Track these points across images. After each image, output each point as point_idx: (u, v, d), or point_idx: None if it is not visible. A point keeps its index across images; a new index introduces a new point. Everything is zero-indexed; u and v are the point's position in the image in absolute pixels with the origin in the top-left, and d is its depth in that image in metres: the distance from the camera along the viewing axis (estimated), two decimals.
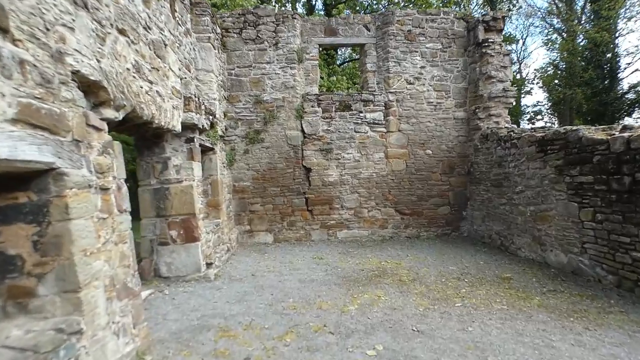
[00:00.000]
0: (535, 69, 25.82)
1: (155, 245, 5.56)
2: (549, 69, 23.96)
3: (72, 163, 2.48)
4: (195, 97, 5.59)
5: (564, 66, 21.71)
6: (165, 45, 4.87)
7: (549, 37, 23.82)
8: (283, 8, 9.14)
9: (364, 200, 9.00)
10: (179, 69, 5.52)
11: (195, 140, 5.70)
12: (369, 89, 9.01)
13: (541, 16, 24.35)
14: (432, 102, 8.94)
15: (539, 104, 25.48)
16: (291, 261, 6.99)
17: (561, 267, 5.80)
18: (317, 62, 9.17)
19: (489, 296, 4.79)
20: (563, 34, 22.10)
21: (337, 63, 17.09)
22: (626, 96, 19.18)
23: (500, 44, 8.21)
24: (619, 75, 19.62)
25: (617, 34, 19.75)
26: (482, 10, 20.52)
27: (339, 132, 8.86)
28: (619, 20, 19.49)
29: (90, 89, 2.86)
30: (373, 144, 8.94)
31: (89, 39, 2.87)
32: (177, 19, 5.62)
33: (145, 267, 5.57)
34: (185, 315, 4.30)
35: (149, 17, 4.29)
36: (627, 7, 19.09)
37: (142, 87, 3.95)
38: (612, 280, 4.87)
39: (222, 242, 7.04)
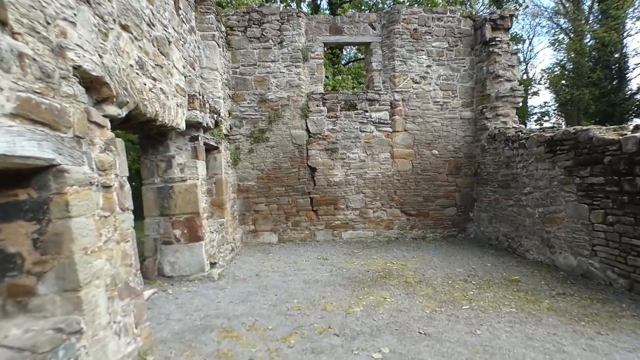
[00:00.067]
0: (542, 70, 25.55)
1: (159, 244, 5.52)
2: (555, 69, 23.76)
3: (73, 160, 2.43)
4: (199, 95, 5.55)
5: (571, 67, 21.50)
6: (169, 42, 4.83)
7: (556, 37, 23.62)
8: (288, 7, 9.07)
9: (369, 201, 8.92)
10: (183, 67, 5.48)
11: (199, 138, 5.66)
12: (375, 88, 8.94)
13: (548, 16, 24.10)
14: (438, 102, 8.84)
15: (546, 105, 25.26)
16: (296, 261, 6.92)
17: (570, 270, 5.69)
18: (322, 60, 9.12)
19: (497, 299, 4.70)
20: (570, 34, 21.87)
21: (342, 63, 17.01)
22: (635, 97, 18.94)
23: (507, 43, 8.10)
24: (627, 75, 19.40)
25: (625, 34, 19.53)
26: (488, 11, 20.34)
27: (344, 131, 8.79)
28: (627, 20, 19.27)
29: (93, 85, 2.81)
30: (379, 143, 8.86)
31: (91, 34, 2.82)
32: (182, 16, 5.58)
33: (148, 266, 5.53)
34: (189, 315, 4.25)
35: (153, 14, 4.25)
36: (636, 6, 18.89)
37: (145, 84, 3.91)
38: (623, 284, 4.76)
39: (227, 242, 6.99)
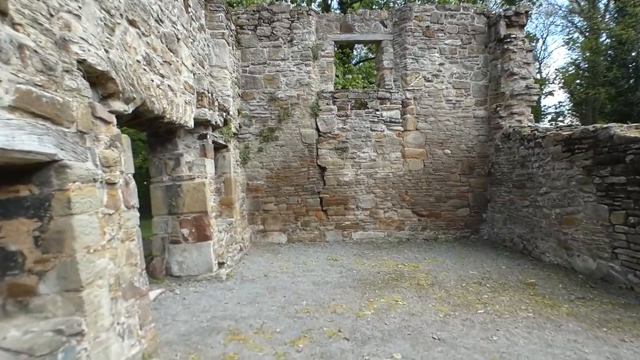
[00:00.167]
0: (556, 69, 25.07)
1: (167, 243, 5.47)
2: (570, 68, 23.27)
3: (76, 155, 2.36)
4: (208, 92, 5.49)
5: (586, 66, 21.02)
6: (178, 39, 4.77)
7: (571, 36, 23.13)
8: (298, 6, 8.99)
9: (379, 201, 8.78)
10: (192, 65, 5.42)
11: (208, 136, 5.59)
12: (386, 87, 8.80)
13: (562, 14, 23.60)
14: (451, 100, 8.66)
15: (561, 104, 24.76)
16: (305, 262, 6.82)
17: (589, 273, 5.49)
18: (333, 59, 9.01)
19: (513, 303, 4.54)
20: (585, 32, 21.38)
21: (353, 62, 16.87)
22: None
23: (523, 40, 7.89)
24: None
25: None
26: (500, 10, 19.99)
27: (355, 130, 8.66)
28: None
29: (98, 80, 2.75)
30: (390, 143, 8.72)
31: (97, 27, 2.76)
32: (191, 13, 5.52)
33: (156, 266, 5.48)
34: (195, 317, 4.17)
35: (161, 10, 4.19)
36: None
37: (152, 81, 3.84)
38: None
39: (235, 242, 6.93)
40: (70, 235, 2.26)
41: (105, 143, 2.74)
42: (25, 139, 1.94)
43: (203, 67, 6.23)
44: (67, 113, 2.29)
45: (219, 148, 6.73)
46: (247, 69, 8.45)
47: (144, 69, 3.68)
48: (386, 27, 8.75)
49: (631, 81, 18.63)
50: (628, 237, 4.79)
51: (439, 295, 4.88)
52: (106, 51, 2.88)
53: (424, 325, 3.89)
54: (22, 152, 1.94)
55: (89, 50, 2.56)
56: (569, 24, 23.34)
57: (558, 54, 39.60)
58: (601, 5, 21.01)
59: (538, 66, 25.02)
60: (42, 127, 2.06)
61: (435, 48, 8.53)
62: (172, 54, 4.49)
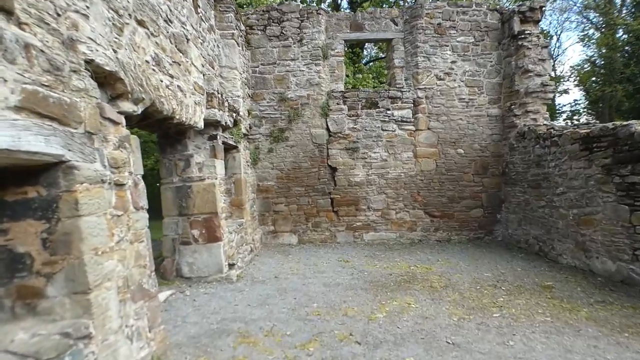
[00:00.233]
0: (570, 66, 24.50)
1: (177, 244, 5.46)
2: (585, 65, 22.74)
3: (84, 156, 2.34)
4: (218, 93, 5.46)
5: (602, 62, 20.52)
6: (188, 39, 4.75)
7: (586, 32, 22.60)
8: (308, 5, 8.93)
9: (391, 202, 8.66)
10: (202, 65, 5.41)
11: (218, 137, 5.57)
12: (397, 86, 8.68)
13: (577, 10, 23.07)
14: (463, 99, 8.51)
15: (576, 102, 24.21)
16: (316, 263, 6.76)
17: (608, 276, 5.31)
18: (343, 58, 8.92)
19: (529, 306, 4.40)
20: (601, 28, 20.88)
21: (363, 62, 16.75)
22: None
23: (537, 36, 7.70)
24: None
25: None
26: (514, 5, 19.67)
27: (366, 130, 8.57)
28: None
29: (107, 81, 2.73)
30: (401, 142, 8.60)
31: (105, 27, 2.74)
32: (200, 14, 5.51)
33: (167, 267, 5.48)
34: (205, 318, 4.14)
35: (170, 10, 4.18)
36: None
37: (162, 81, 3.83)
38: None
39: (246, 243, 6.90)
40: (78, 237, 2.24)
41: (114, 144, 2.72)
42: (32, 139, 1.91)
43: (213, 68, 6.22)
44: (75, 113, 2.27)
45: (229, 149, 6.71)
46: (257, 69, 8.42)
47: (153, 70, 3.66)
48: (397, 25, 8.64)
49: None
50: None
51: (452, 298, 4.77)
52: (114, 51, 2.86)
53: (437, 329, 3.79)
54: (29, 153, 1.92)
55: (97, 50, 2.54)
56: (584, 20, 22.84)
57: (572, 51, 38.75)
58: (617, 0, 20.50)
59: (552, 64, 24.52)
60: (48, 128, 2.04)
61: (447, 45, 8.39)
62: (181, 54, 4.47)
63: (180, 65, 4.41)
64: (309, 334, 3.70)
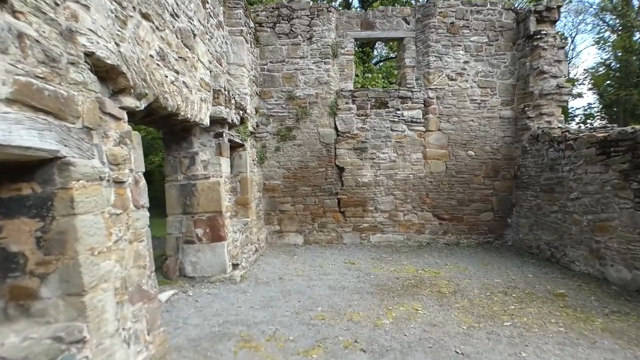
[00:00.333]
0: (584, 69, 24.01)
1: (181, 243, 5.38)
2: (600, 69, 22.28)
3: (81, 152, 2.24)
4: (225, 90, 5.37)
5: (617, 65, 20.08)
6: (194, 35, 4.66)
7: (601, 34, 22.13)
8: (318, 2, 8.79)
9: (399, 203, 8.51)
10: (209, 61, 5.32)
11: (224, 135, 5.48)
12: (407, 86, 8.51)
13: (593, 12, 22.61)
14: (475, 100, 8.32)
15: (590, 106, 23.74)
16: (321, 265, 6.64)
17: (624, 285, 5.12)
18: (353, 57, 8.78)
19: (542, 315, 4.24)
20: (617, 31, 20.44)
21: (373, 62, 16.57)
22: None
23: (554, 36, 7.48)
24: None
25: None
26: (530, 5, 19.31)
27: (374, 130, 8.42)
28: None
29: (109, 75, 2.64)
30: (410, 143, 8.44)
31: (107, 19, 2.65)
32: (209, 10, 5.42)
33: (170, 266, 5.40)
34: (207, 320, 4.04)
35: (177, 4, 4.08)
36: None
37: (166, 77, 3.73)
38: None
39: (251, 242, 6.81)
40: (73, 236, 2.14)
41: (114, 140, 2.63)
42: (24, 134, 1.82)
43: (220, 65, 6.13)
44: (72, 108, 2.17)
45: (235, 147, 6.62)
46: (266, 67, 8.32)
47: (158, 64, 3.57)
48: (409, 23, 8.47)
49: None
50: None
51: (461, 304, 4.62)
52: (117, 44, 2.77)
53: (446, 338, 3.65)
54: (21, 148, 1.82)
55: (98, 43, 2.44)
56: (600, 22, 22.37)
57: (587, 54, 38.11)
58: (635, 2, 20.06)
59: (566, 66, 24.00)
60: (43, 122, 1.95)
61: (460, 45, 8.20)
62: (187, 49, 4.38)
63: (186, 60, 4.32)
64: (313, 340, 3.58)
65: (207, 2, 5.35)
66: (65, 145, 2.11)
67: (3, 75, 1.71)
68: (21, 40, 1.82)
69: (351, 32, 8.52)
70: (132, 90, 2.88)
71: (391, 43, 13.79)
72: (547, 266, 6.52)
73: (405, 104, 8.36)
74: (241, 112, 6.19)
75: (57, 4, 2.11)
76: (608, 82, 21.12)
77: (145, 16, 3.34)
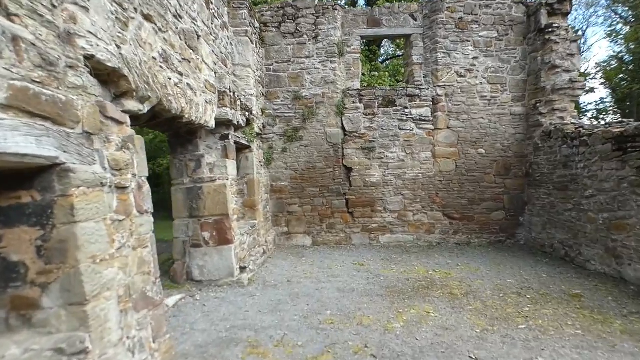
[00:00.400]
0: (596, 63, 23.52)
1: (188, 247, 5.33)
2: (612, 62, 21.80)
3: (82, 158, 2.18)
4: (230, 91, 5.30)
5: (630, 59, 19.63)
6: (199, 36, 4.60)
7: (613, 27, 21.65)
8: (323, 1, 8.68)
9: (408, 203, 8.38)
10: (214, 63, 5.26)
11: (230, 137, 5.43)
12: (415, 83, 8.38)
13: (605, 4, 22.12)
14: (485, 97, 8.15)
15: (602, 101, 23.25)
16: (330, 267, 6.55)
17: None
18: (359, 55, 8.69)
19: (557, 317, 4.11)
20: (630, 23, 19.98)
21: (380, 60, 16.42)
22: None
23: (566, 29, 7.29)
24: None
25: None
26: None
27: (382, 129, 8.31)
28: None
29: (110, 78, 2.58)
30: (419, 142, 8.31)
31: (107, 21, 2.59)
32: (213, 10, 5.36)
33: (177, 270, 5.36)
34: (214, 325, 3.99)
35: (180, 5, 4.02)
36: None
37: (170, 79, 3.68)
38: None
39: (258, 245, 6.75)
40: (74, 244, 2.09)
41: (116, 145, 2.57)
42: (21, 140, 1.76)
43: (226, 66, 6.07)
44: (71, 112, 2.12)
45: (241, 149, 6.56)
46: (271, 67, 8.26)
47: (161, 67, 3.52)
48: (416, 20, 8.34)
49: None
50: None
51: (474, 306, 4.50)
52: (118, 47, 2.71)
53: (459, 342, 3.55)
54: (18, 155, 1.76)
55: (98, 45, 2.39)
56: (613, 14, 21.89)
57: (599, 48, 37.39)
58: None
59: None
60: (40, 128, 1.89)
61: (469, 41, 8.04)
62: (191, 51, 4.32)
63: (190, 62, 4.26)
64: (322, 345, 3.50)
65: (211, 3, 5.29)
66: (65, 152, 2.05)
67: None
68: (16, 44, 1.76)
69: (357, 30, 8.42)
70: (135, 94, 2.83)
71: (398, 40, 13.61)
72: (561, 266, 6.36)
73: (414, 102, 8.23)
74: (247, 113, 6.13)
75: (54, 6, 2.05)
76: (620, 75, 20.68)
77: (147, 17, 3.28)
